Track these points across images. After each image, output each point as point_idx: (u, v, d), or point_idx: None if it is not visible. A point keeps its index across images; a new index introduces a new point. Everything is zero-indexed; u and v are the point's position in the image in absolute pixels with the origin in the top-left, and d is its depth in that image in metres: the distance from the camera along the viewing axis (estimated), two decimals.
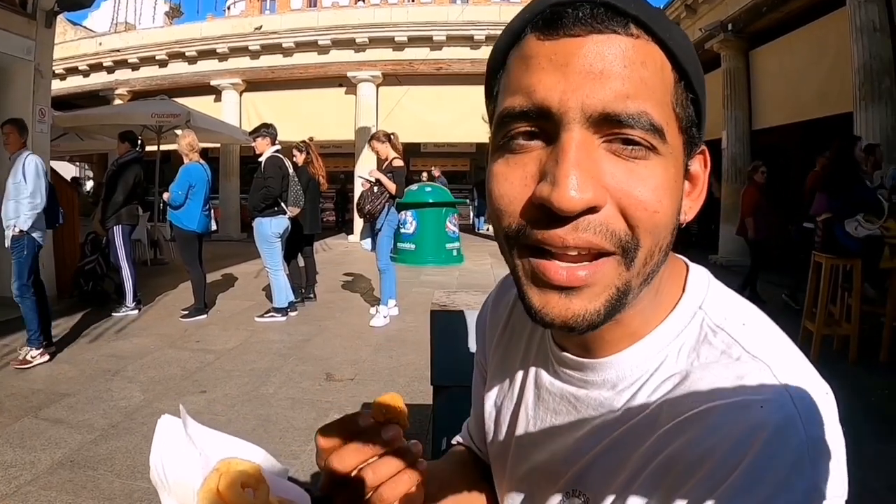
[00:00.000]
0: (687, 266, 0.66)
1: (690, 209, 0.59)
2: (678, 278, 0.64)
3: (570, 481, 0.63)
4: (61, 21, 13.63)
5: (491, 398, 0.81)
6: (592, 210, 0.49)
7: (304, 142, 7.46)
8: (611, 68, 0.49)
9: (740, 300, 0.63)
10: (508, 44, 0.57)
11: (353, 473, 0.58)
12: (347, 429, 0.60)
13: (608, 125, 0.50)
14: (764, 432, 0.48)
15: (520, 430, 0.73)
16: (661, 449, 0.53)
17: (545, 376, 0.70)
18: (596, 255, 0.51)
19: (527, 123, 0.52)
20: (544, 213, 0.50)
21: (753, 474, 0.46)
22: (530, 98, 0.51)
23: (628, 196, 0.50)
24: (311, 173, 7.27)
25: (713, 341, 0.57)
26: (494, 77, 0.59)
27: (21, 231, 4.69)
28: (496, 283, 0.89)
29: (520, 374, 0.76)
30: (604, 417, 0.61)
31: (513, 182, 0.53)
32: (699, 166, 0.60)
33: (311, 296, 7.48)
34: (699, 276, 0.65)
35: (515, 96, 0.53)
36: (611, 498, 0.57)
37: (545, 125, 0.51)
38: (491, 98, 0.60)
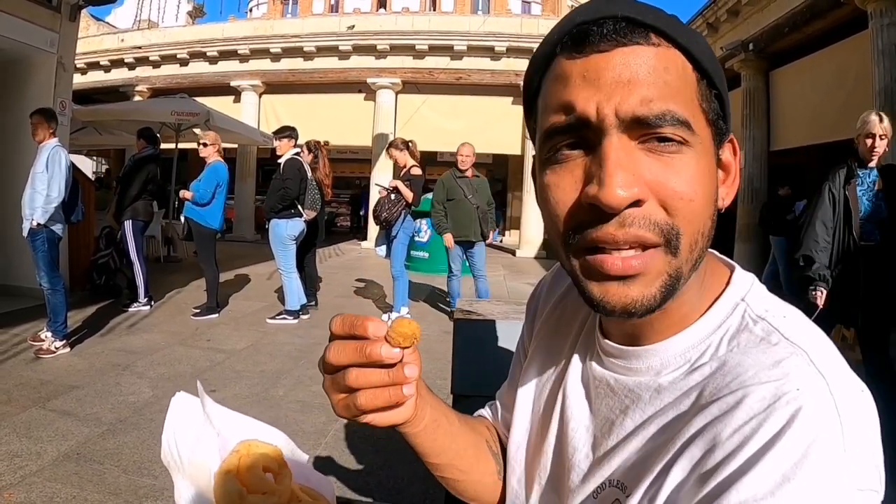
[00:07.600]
0: (732, 267, 0.69)
1: (727, 195, 0.64)
2: (722, 275, 0.67)
3: (605, 466, 0.65)
4: (84, 16, 13.78)
5: (529, 376, 0.84)
6: (636, 204, 0.54)
7: (313, 141, 7.26)
8: (637, 77, 0.54)
9: (782, 301, 0.65)
10: (541, 68, 0.62)
11: (343, 370, 0.60)
12: (359, 329, 0.59)
13: (640, 127, 0.55)
14: (799, 415, 0.49)
15: (555, 413, 0.76)
16: (698, 431, 0.54)
17: (589, 363, 0.73)
18: (644, 247, 0.55)
19: (569, 136, 0.58)
20: (594, 212, 0.55)
21: (787, 456, 0.48)
22: (571, 113, 0.56)
23: (665, 188, 0.55)
24: (317, 179, 6.92)
25: (753, 329, 0.59)
26: (532, 99, 0.65)
27: (38, 224, 4.68)
28: (551, 270, 0.91)
29: (564, 359, 0.78)
30: (643, 403, 0.63)
31: (564, 188, 0.58)
32: (729, 154, 0.64)
33: (313, 303, 7.19)
34: (744, 275, 0.67)
35: (557, 114, 0.58)
36: (648, 481, 0.58)
37: (586, 134, 0.56)
38: (531, 118, 0.66)
